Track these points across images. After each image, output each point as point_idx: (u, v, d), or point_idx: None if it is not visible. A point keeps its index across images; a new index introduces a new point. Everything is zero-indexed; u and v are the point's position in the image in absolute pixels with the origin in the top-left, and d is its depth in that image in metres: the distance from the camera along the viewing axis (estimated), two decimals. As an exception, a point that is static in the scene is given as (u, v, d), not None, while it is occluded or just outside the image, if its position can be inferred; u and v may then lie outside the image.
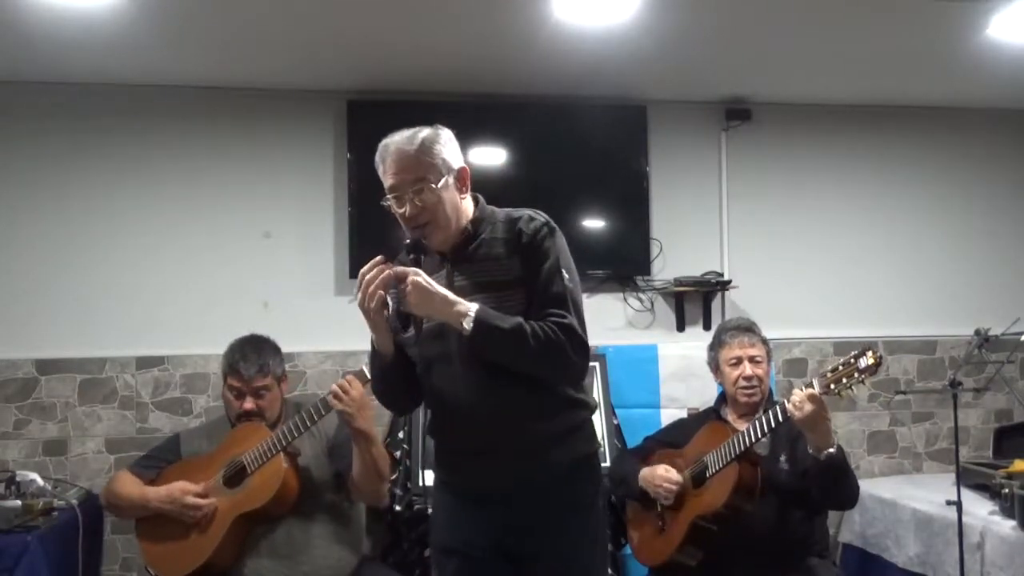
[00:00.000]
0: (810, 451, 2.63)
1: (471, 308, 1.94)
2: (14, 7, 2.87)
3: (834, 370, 2.54)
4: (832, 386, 2.51)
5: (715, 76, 3.78)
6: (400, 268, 1.97)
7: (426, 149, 2.02)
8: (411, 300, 1.95)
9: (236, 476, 2.77)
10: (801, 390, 2.57)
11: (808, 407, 2.53)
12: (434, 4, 2.96)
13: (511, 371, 1.99)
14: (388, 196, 2.06)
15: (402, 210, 2.03)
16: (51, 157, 3.62)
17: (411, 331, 2.07)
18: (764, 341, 2.99)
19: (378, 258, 1.98)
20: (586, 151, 3.90)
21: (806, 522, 2.81)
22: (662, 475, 2.84)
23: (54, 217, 3.61)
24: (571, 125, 3.91)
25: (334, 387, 2.63)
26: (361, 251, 3.62)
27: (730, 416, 2.97)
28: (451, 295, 1.97)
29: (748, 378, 2.91)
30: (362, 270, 1.98)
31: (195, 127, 3.72)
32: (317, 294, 3.76)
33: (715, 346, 3.04)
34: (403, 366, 2.13)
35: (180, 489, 2.78)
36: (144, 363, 3.64)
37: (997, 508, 3.11)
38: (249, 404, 2.88)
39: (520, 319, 1.97)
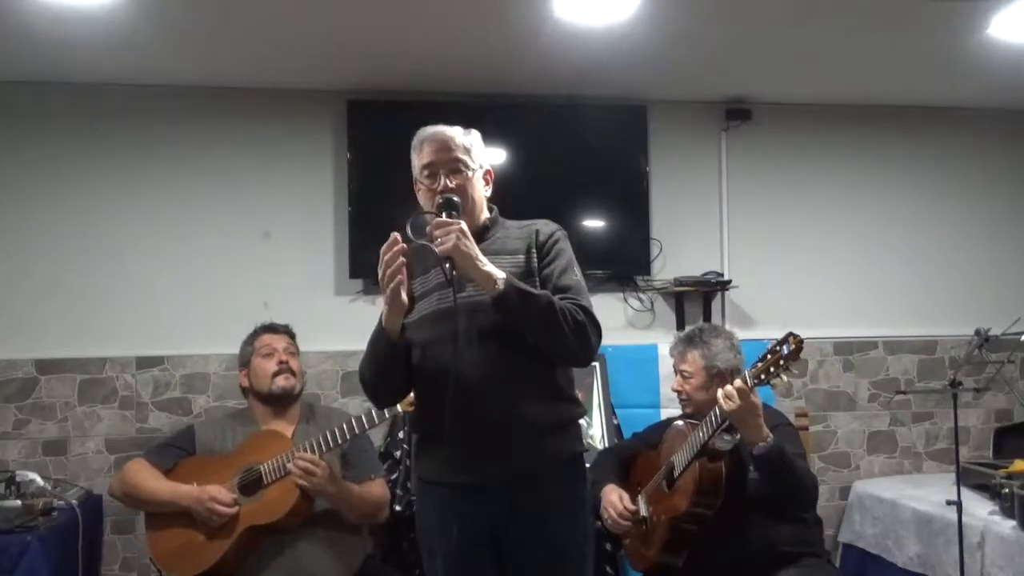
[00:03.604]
0: (747, 446, 2.59)
1: (501, 272, 2.01)
2: (14, 7, 2.87)
3: (762, 359, 2.50)
4: (762, 376, 2.49)
5: (715, 76, 3.78)
6: (441, 219, 2.02)
7: (465, 137, 2.20)
8: (452, 245, 1.96)
9: (252, 485, 2.77)
10: (733, 385, 2.55)
11: (736, 400, 2.51)
12: (434, 4, 2.96)
13: (517, 351, 2.03)
14: (422, 173, 2.16)
15: (436, 186, 2.12)
16: (50, 157, 3.62)
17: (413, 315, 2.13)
18: (705, 355, 2.84)
19: (394, 236, 2.01)
20: (586, 151, 3.89)
21: (783, 523, 2.71)
22: (614, 501, 2.82)
23: (54, 217, 3.61)
24: (571, 125, 3.90)
25: (298, 475, 2.68)
26: (361, 251, 3.62)
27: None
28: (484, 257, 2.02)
29: (676, 391, 2.91)
30: (382, 249, 2.00)
31: (195, 127, 3.72)
32: (317, 294, 3.76)
33: None
34: (404, 352, 2.13)
35: (211, 496, 2.75)
36: (144, 363, 3.63)
37: (997, 508, 3.12)
38: (285, 356, 2.97)
39: (547, 292, 2.06)
